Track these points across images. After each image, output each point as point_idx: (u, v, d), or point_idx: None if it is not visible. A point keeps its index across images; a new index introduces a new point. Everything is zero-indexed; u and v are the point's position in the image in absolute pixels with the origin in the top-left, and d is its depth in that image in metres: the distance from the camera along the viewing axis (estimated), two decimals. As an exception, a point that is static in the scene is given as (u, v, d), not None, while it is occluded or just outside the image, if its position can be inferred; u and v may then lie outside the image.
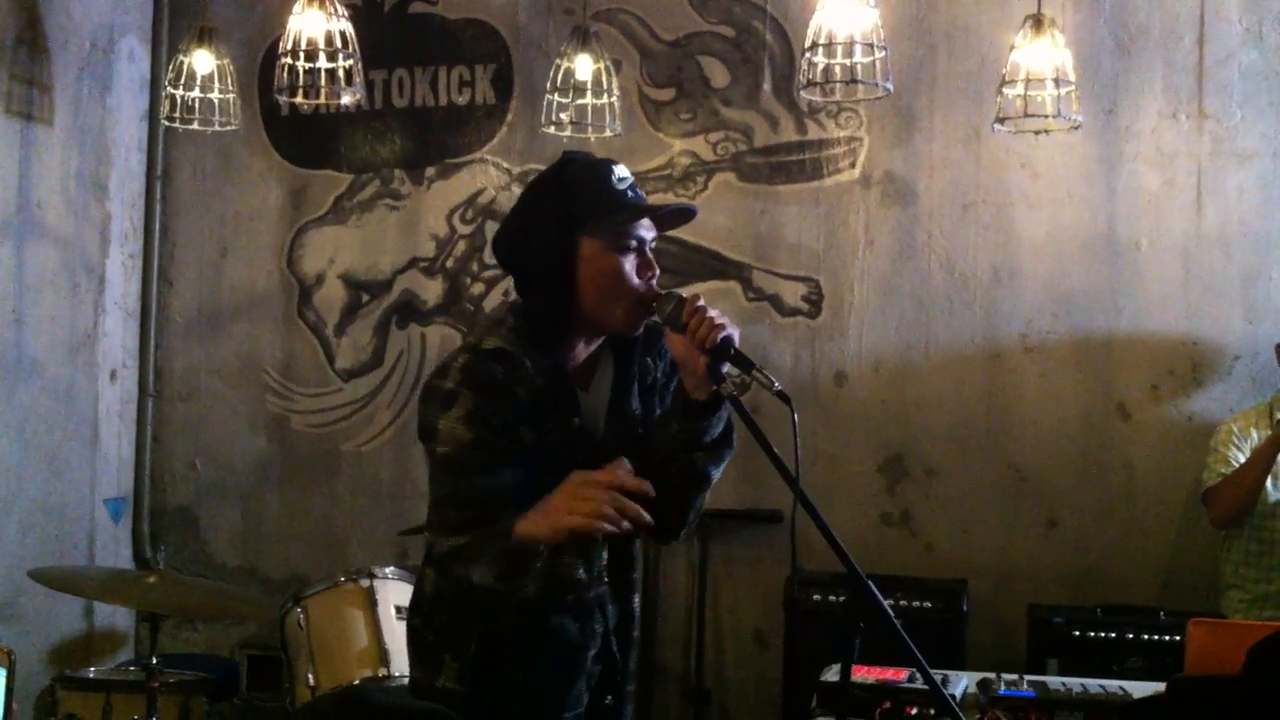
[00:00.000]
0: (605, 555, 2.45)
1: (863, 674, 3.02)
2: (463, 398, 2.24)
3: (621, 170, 2.37)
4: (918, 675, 3.09)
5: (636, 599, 2.52)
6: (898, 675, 3.15)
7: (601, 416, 2.41)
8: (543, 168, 5.14)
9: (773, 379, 2.20)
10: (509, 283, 5.02)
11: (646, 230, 2.35)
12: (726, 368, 2.27)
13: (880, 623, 2.09)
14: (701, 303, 2.27)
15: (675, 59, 5.08)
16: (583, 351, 2.40)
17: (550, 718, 2.38)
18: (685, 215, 2.44)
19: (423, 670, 2.41)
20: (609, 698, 2.48)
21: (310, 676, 3.90)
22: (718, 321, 2.24)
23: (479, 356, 2.29)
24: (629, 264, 2.32)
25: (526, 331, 2.32)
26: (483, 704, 2.33)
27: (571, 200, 2.33)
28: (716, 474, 2.39)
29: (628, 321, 2.35)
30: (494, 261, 5.09)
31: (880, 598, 2.13)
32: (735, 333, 2.26)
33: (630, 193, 2.35)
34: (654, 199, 5.01)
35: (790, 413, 2.17)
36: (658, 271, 2.35)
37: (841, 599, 4.23)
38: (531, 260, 2.36)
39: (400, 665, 3.85)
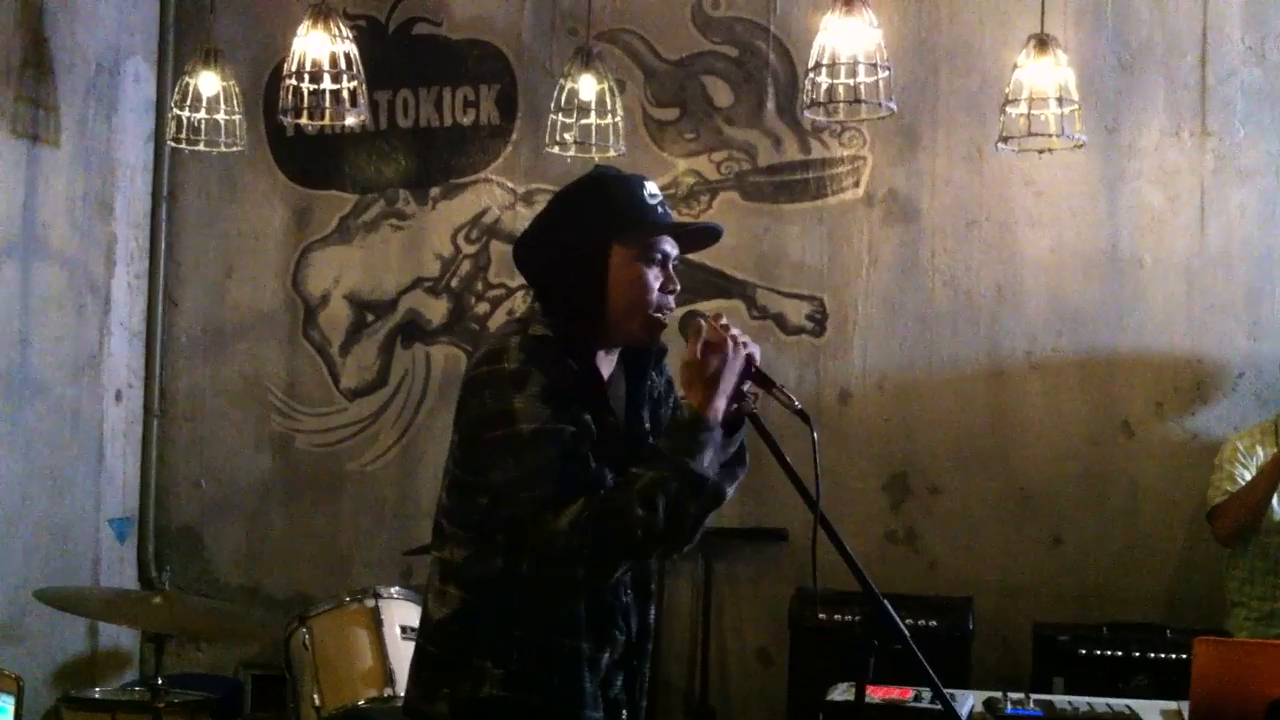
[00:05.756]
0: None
1: (869, 693, 3.02)
2: (533, 375, 2.25)
3: (652, 186, 2.42)
4: (924, 694, 3.09)
5: (653, 612, 2.53)
6: (904, 694, 3.15)
7: (622, 426, 2.43)
8: (548, 187, 5.14)
9: (793, 397, 2.24)
10: (513, 302, 5.10)
11: (671, 246, 2.40)
12: (748, 386, 2.29)
13: (896, 642, 2.10)
14: (724, 321, 2.31)
15: (679, 79, 5.09)
16: (603, 363, 2.42)
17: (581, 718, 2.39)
18: (712, 235, 2.49)
19: (456, 685, 2.36)
20: (625, 709, 2.49)
21: (315, 696, 3.90)
22: (740, 340, 2.28)
23: (531, 338, 2.31)
24: (653, 276, 2.36)
25: (558, 333, 2.34)
26: (528, 707, 2.33)
27: (608, 209, 2.37)
28: (731, 491, 2.41)
29: (645, 333, 2.39)
30: (499, 281, 5.20)
31: (898, 617, 2.15)
32: (757, 351, 2.30)
33: (660, 208, 2.41)
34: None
35: (810, 431, 2.20)
36: (678, 287, 2.40)
37: (849, 618, 4.22)
38: (566, 265, 2.39)
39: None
